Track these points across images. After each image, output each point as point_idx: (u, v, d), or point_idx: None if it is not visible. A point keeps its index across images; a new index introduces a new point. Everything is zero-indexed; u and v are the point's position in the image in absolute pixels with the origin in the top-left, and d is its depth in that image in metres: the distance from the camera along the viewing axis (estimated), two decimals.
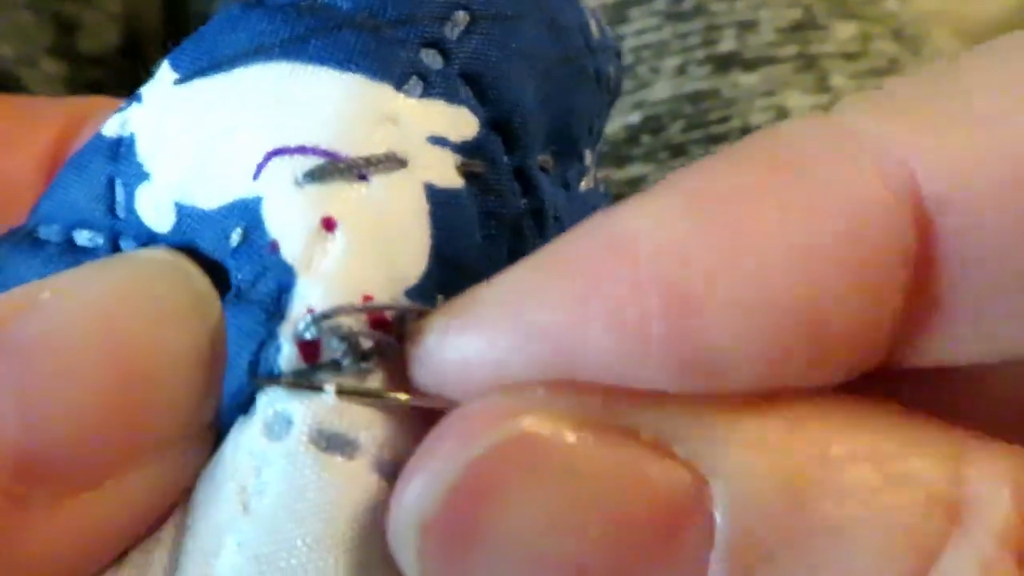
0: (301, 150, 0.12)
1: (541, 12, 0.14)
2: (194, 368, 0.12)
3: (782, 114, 0.30)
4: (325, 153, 0.12)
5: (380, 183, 0.12)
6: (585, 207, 0.15)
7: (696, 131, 0.29)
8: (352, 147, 0.12)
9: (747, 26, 0.30)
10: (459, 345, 0.12)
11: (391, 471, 0.12)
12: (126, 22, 0.39)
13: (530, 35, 0.14)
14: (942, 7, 0.54)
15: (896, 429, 0.12)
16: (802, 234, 0.11)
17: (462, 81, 0.13)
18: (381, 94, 0.13)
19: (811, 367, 0.11)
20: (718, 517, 0.11)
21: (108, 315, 0.12)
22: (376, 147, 0.12)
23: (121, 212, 0.13)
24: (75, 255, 0.13)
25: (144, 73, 0.33)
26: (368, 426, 0.12)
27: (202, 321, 0.12)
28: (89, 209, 0.13)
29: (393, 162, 0.12)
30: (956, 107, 0.11)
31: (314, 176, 0.12)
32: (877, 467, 0.11)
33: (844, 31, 0.31)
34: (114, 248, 0.13)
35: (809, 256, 0.11)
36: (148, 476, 0.12)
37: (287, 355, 0.12)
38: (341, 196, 0.12)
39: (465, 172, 0.13)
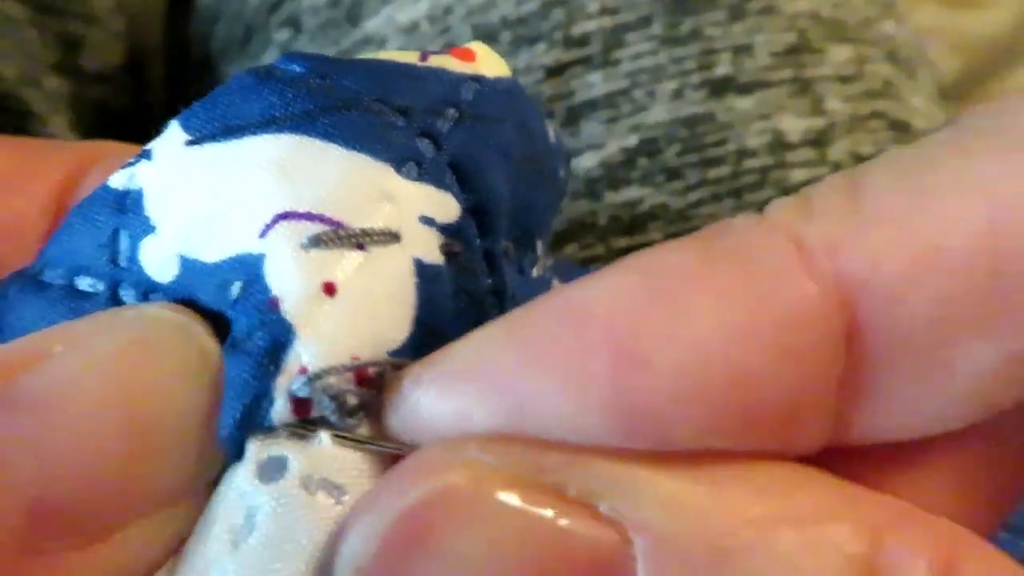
0: (308, 216, 0.13)
1: (516, 115, 0.16)
2: (200, 424, 0.13)
3: (777, 137, 0.30)
4: (331, 222, 0.13)
5: (376, 255, 0.13)
6: (535, 291, 0.16)
7: (692, 154, 0.29)
8: (354, 219, 0.13)
9: (742, 50, 0.30)
10: (427, 395, 0.12)
11: None
12: (129, 39, 0.39)
13: (506, 135, 0.15)
14: (938, 23, 0.54)
15: (820, 494, 0.12)
16: (737, 317, 0.12)
17: (449, 169, 0.14)
18: (383, 174, 0.14)
19: (742, 436, 0.12)
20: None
21: (120, 371, 0.12)
22: (375, 221, 0.13)
23: (123, 262, 0.14)
24: (77, 300, 0.14)
25: (147, 89, 0.33)
26: (355, 472, 0.13)
27: (208, 378, 0.13)
28: (92, 256, 0.14)
29: (389, 237, 0.13)
30: (871, 207, 0.12)
31: (318, 242, 0.13)
32: (798, 531, 0.11)
33: (839, 54, 0.31)
34: (113, 295, 0.14)
35: (741, 337, 0.12)
36: (154, 527, 0.12)
37: (279, 409, 0.12)
38: (342, 263, 0.13)
39: (446, 251, 0.14)
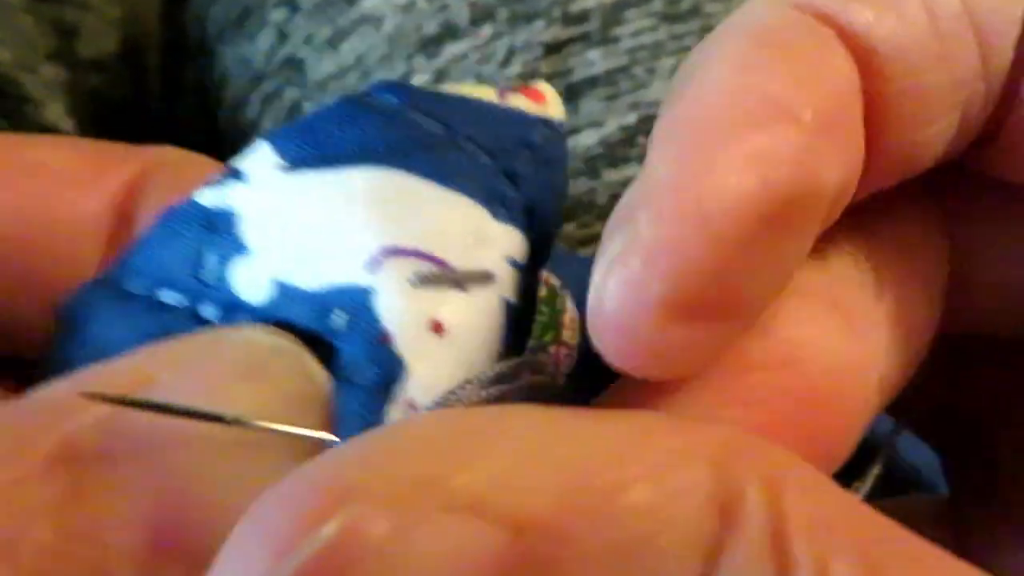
0: (415, 253, 0.14)
1: (564, 159, 0.16)
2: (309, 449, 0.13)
3: None
4: (435, 260, 0.14)
5: (475, 295, 0.14)
6: None
7: None
8: (455, 258, 0.14)
9: None
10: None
11: None
12: (125, 28, 0.39)
13: (558, 179, 0.16)
14: None
15: (661, 439, 0.12)
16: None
17: (524, 213, 0.15)
18: (479, 215, 0.15)
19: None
20: None
21: (229, 397, 0.13)
22: (475, 263, 0.14)
23: (210, 279, 0.14)
24: (160, 312, 0.14)
25: (143, 77, 0.33)
26: None
27: (319, 404, 0.13)
28: (176, 270, 0.14)
29: (486, 278, 0.14)
30: None
31: (426, 280, 0.13)
32: (653, 485, 0.12)
33: None
34: (193, 311, 0.14)
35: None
36: None
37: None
38: (449, 303, 0.13)
39: (517, 290, 0.15)
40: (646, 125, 0.29)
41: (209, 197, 0.15)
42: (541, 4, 0.30)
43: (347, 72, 0.32)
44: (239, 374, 0.13)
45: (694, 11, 0.30)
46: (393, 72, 0.31)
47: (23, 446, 0.12)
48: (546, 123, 0.16)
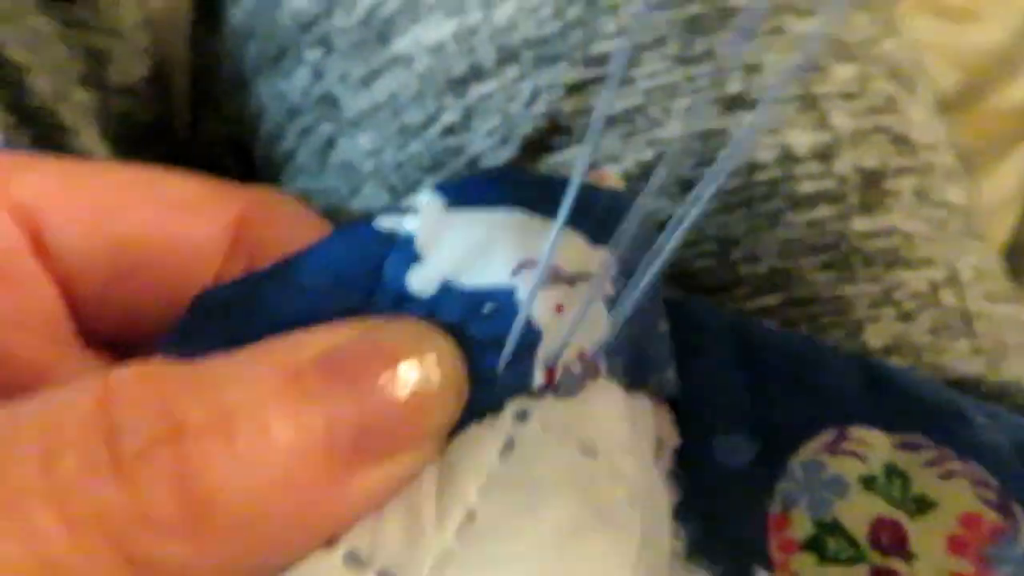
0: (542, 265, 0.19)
1: (628, 206, 0.22)
2: (452, 396, 0.19)
3: (786, 151, 0.31)
4: (554, 268, 0.20)
5: (579, 287, 0.20)
6: (662, 343, 0.24)
7: (705, 167, 0.31)
8: (566, 266, 0.20)
9: (752, 69, 0.32)
10: None
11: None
12: (154, 53, 0.40)
13: (635, 222, 0.22)
14: (937, 37, 0.55)
15: None
16: None
17: (608, 242, 0.21)
18: (581, 240, 0.21)
19: None
20: None
21: (403, 352, 0.18)
22: (578, 268, 0.20)
23: (387, 279, 0.20)
24: (336, 301, 0.20)
25: (170, 102, 0.36)
26: (567, 420, 0.19)
27: (455, 367, 0.19)
28: (354, 272, 0.20)
29: (587, 276, 0.20)
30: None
31: (548, 281, 0.19)
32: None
33: (843, 72, 0.32)
34: (368, 299, 0.20)
35: None
36: (416, 457, 0.18)
37: (538, 378, 0.19)
38: (564, 293, 0.19)
39: (616, 288, 0.20)
40: (661, 161, 0.31)
41: (387, 223, 0.21)
42: (563, 47, 0.31)
43: (380, 109, 0.33)
44: (418, 341, 0.19)
45: (707, 54, 0.31)
46: (424, 110, 0.32)
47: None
48: (613, 194, 0.23)
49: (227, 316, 0.20)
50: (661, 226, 0.20)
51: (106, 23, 0.38)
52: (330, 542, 0.18)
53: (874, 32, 0.34)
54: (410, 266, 0.20)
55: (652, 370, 0.22)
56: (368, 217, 0.21)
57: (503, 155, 0.30)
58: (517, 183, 0.22)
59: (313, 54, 0.35)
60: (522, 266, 0.20)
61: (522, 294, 0.19)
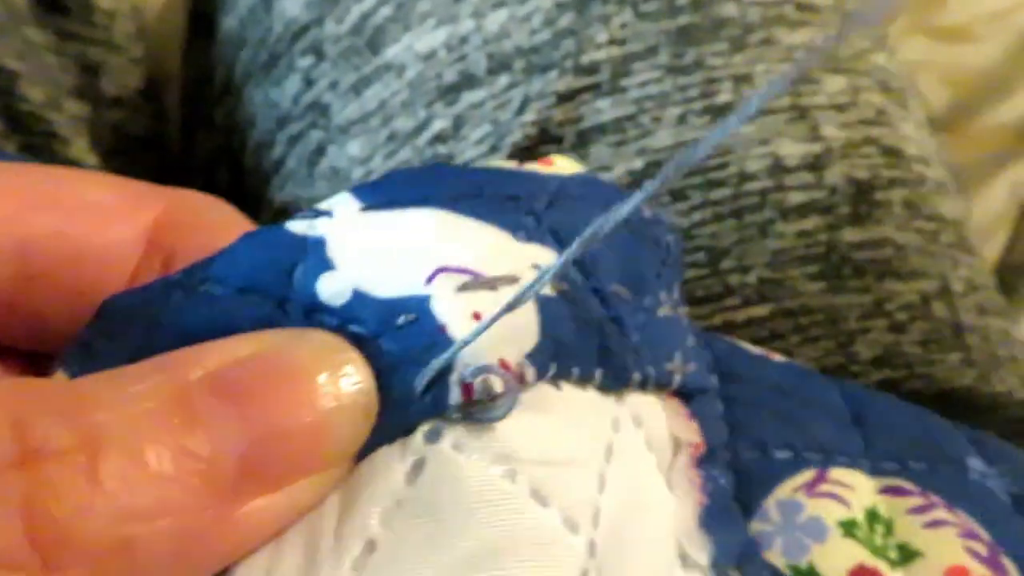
0: (458, 270, 0.18)
1: (595, 195, 0.21)
2: (359, 416, 0.17)
3: (776, 161, 0.31)
4: (473, 273, 0.18)
5: (504, 292, 0.18)
6: (663, 326, 0.21)
7: (695, 176, 0.31)
8: (488, 270, 0.18)
9: (743, 79, 0.32)
10: None
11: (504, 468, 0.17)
12: (147, 66, 0.40)
13: (591, 209, 0.20)
14: (929, 56, 0.55)
15: None
16: None
17: (549, 234, 0.20)
18: (505, 239, 0.19)
19: None
20: None
21: (306, 370, 0.17)
22: (501, 270, 0.18)
23: (298, 287, 0.18)
24: (242, 309, 0.18)
25: (163, 113, 0.35)
26: (482, 439, 0.18)
27: (365, 388, 0.17)
28: (264, 280, 0.19)
29: (512, 279, 0.18)
30: None
31: (467, 287, 0.18)
32: None
33: (834, 84, 0.32)
34: (280, 309, 0.18)
35: None
36: (316, 483, 0.17)
37: (454, 395, 0.17)
38: (484, 299, 0.18)
39: (555, 289, 0.19)
40: (652, 170, 0.31)
41: (298, 226, 0.19)
42: (555, 56, 0.31)
43: (370, 117, 0.33)
44: (316, 356, 0.17)
45: (697, 64, 0.31)
46: (414, 118, 0.32)
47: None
48: (557, 177, 0.21)
49: (130, 326, 0.19)
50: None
51: (100, 35, 0.38)
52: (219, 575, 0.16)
53: (865, 45, 0.34)
54: (321, 273, 0.18)
55: (642, 363, 0.20)
56: (281, 219, 0.19)
57: (493, 163, 0.30)
58: (438, 178, 0.20)
59: (304, 62, 0.35)
60: (437, 272, 0.18)
61: (437, 303, 0.18)
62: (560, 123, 0.31)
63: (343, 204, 0.20)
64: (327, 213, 0.19)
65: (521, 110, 0.31)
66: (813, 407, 0.24)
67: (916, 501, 0.22)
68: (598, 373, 0.19)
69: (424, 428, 0.17)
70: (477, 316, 0.18)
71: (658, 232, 0.23)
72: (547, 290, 0.19)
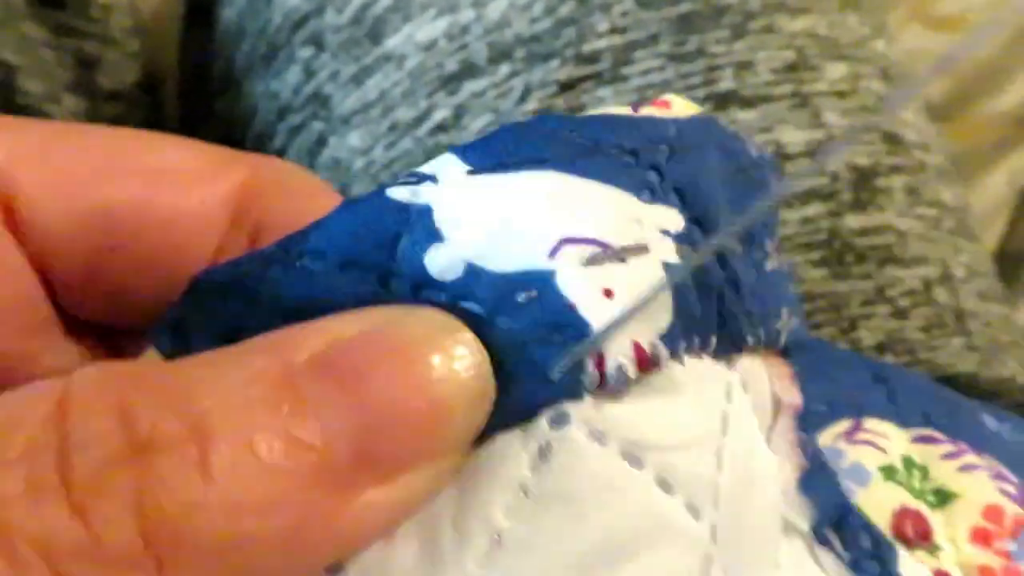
0: (584, 240, 0.17)
1: (713, 140, 0.20)
2: (476, 400, 0.16)
3: (778, 148, 0.31)
4: (600, 244, 0.17)
5: (634, 264, 0.17)
6: (772, 282, 0.20)
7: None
8: (616, 239, 0.17)
9: (744, 67, 0.32)
10: None
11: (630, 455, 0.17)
12: (144, 59, 0.40)
13: (710, 157, 0.19)
14: (926, 46, 0.55)
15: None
16: None
17: (673, 191, 0.18)
18: (631, 202, 0.18)
19: None
20: None
21: (419, 350, 0.15)
22: (630, 239, 0.17)
23: (403, 261, 0.17)
24: (345, 284, 0.17)
25: (161, 107, 0.35)
26: (611, 422, 0.17)
27: (480, 372, 0.16)
28: (366, 253, 0.17)
29: (642, 249, 0.17)
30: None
31: (595, 260, 0.17)
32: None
33: (835, 71, 0.32)
34: (383, 285, 0.17)
35: None
36: (432, 473, 0.16)
37: (591, 375, 0.16)
38: (613, 274, 0.17)
39: (681, 254, 0.18)
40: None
41: (400, 193, 0.17)
42: (556, 45, 0.31)
43: (371, 107, 0.33)
44: (425, 338, 0.16)
45: (699, 52, 0.31)
46: (415, 108, 0.32)
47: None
48: (675, 121, 0.19)
49: (224, 302, 0.17)
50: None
51: (97, 29, 0.38)
52: (332, 571, 0.16)
53: (865, 32, 0.34)
54: (429, 245, 0.17)
55: (755, 324, 0.19)
56: (381, 186, 0.18)
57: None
58: (550, 133, 0.18)
59: (304, 52, 0.35)
60: (561, 243, 0.17)
61: (563, 279, 0.16)
62: (562, 112, 0.31)
63: (448, 167, 0.18)
64: (431, 178, 0.18)
65: (522, 99, 0.31)
66: (840, 367, 0.24)
67: (947, 448, 0.22)
68: (714, 340, 0.18)
69: (548, 412, 0.16)
70: (608, 293, 0.16)
71: (765, 174, 0.21)
72: (673, 256, 0.17)
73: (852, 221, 0.31)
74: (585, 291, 0.16)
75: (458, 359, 0.16)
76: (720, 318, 0.18)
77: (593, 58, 0.31)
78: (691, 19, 0.31)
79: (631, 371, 0.16)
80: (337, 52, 0.34)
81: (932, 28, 0.56)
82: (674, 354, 0.17)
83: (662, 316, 0.17)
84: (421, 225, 0.17)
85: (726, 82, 0.31)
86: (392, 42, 0.33)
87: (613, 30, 0.31)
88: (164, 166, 0.20)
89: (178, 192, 0.19)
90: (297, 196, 0.20)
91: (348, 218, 0.17)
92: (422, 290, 0.16)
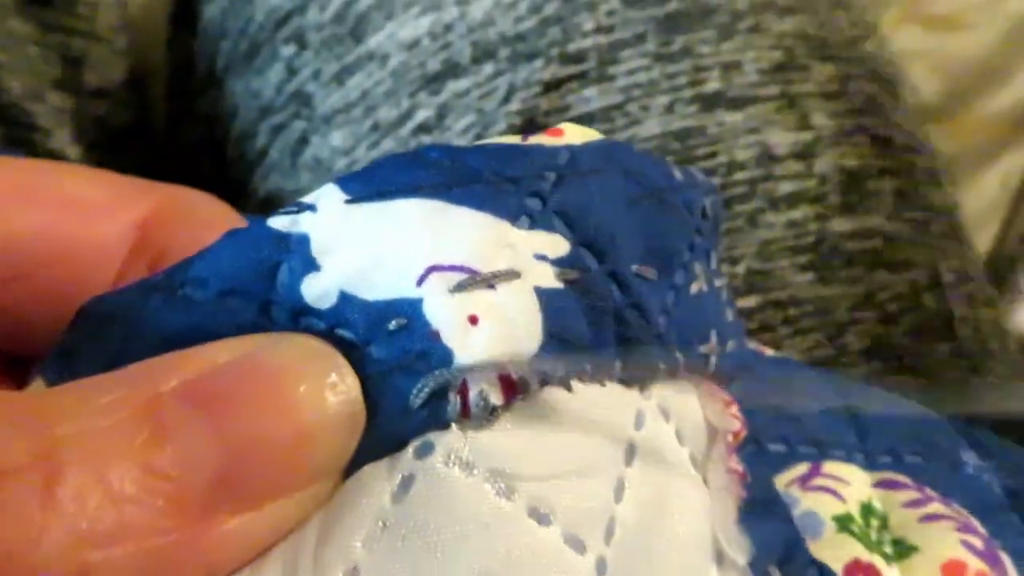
0: (451, 268, 0.17)
1: (615, 165, 0.19)
2: (345, 428, 0.16)
3: (765, 150, 0.31)
4: (468, 270, 0.17)
5: (504, 290, 0.17)
6: (697, 305, 0.20)
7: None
8: (485, 266, 0.17)
9: (732, 67, 0.31)
10: None
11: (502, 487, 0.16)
12: (131, 57, 0.40)
13: (611, 181, 0.19)
14: (921, 45, 0.55)
15: None
16: None
17: (556, 217, 0.18)
18: (503, 228, 0.17)
19: None
20: None
21: (287, 377, 0.15)
22: (500, 265, 0.17)
23: (281, 289, 0.17)
24: (224, 315, 0.17)
25: (148, 105, 0.34)
26: (478, 451, 0.16)
27: (351, 397, 0.16)
28: (246, 281, 0.17)
29: (512, 275, 0.17)
30: None
31: (461, 286, 0.17)
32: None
33: (824, 72, 0.32)
34: (263, 313, 0.17)
35: None
36: (298, 502, 0.16)
37: (452, 409, 0.16)
38: (480, 300, 0.17)
39: (562, 279, 0.17)
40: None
41: (280, 223, 0.18)
42: (540, 44, 0.31)
43: (353, 106, 0.33)
44: (288, 364, 0.16)
45: (685, 52, 0.31)
46: (397, 108, 0.32)
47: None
48: (569, 148, 0.19)
49: (110, 331, 0.17)
50: None
51: (84, 26, 0.38)
52: None
53: (855, 33, 0.34)
54: (306, 274, 0.17)
55: (669, 349, 0.19)
56: (266, 211, 0.18)
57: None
58: (430, 162, 0.18)
59: (287, 50, 0.34)
60: (429, 271, 0.17)
61: (430, 306, 0.17)
62: (546, 112, 0.30)
63: (327, 197, 0.18)
64: (311, 207, 0.18)
65: (506, 99, 0.31)
66: (809, 394, 0.23)
67: (912, 495, 0.22)
68: (617, 366, 0.18)
69: (415, 442, 0.16)
70: (473, 320, 0.16)
71: (691, 197, 0.21)
72: (553, 282, 0.17)
73: (840, 224, 0.31)
74: (450, 318, 0.16)
75: (328, 386, 0.16)
76: (622, 342, 0.18)
77: (578, 58, 0.31)
78: (678, 18, 0.31)
79: (495, 398, 0.16)
80: (319, 50, 0.34)
81: (928, 28, 0.55)
82: (548, 380, 0.17)
83: (530, 340, 0.17)
84: (299, 254, 0.17)
85: (713, 83, 0.31)
86: (375, 40, 0.33)
87: (599, 29, 0.31)
88: (66, 198, 0.20)
89: (78, 224, 0.20)
90: (202, 226, 0.20)
91: (230, 248, 0.17)
92: (301, 318, 0.17)
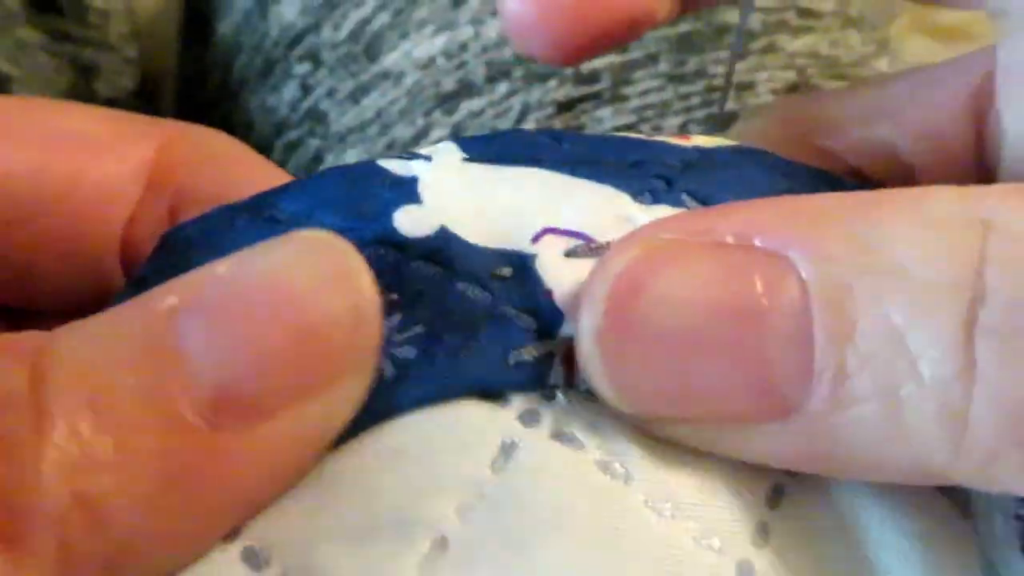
0: (567, 232, 0.17)
1: (751, 159, 0.19)
2: (351, 325, 0.14)
3: None
4: (584, 237, 0.17)
5: None
6: None
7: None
8: (600, 235, 0.17)
9: (745, 87, 0.31)
10: None
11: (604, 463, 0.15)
12: (142, 67, 0.40)
13: (747, 173, 0.19)
14: (929, 57, 0.55)
15: None
16: None
17: (687, 194, 0.18)
18: (622, 201, 0.17)
19: None
20: (803, 274, 0.14)
21: (277, 281, 0.14)
22: (615, 236, 0.16)
23: (371, 215, 0.17)
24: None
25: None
26: (587, 426, 0.16)
27: (355, 287, 0.15)
28: (333, 207, 0.17)
29: None
30: None
31: (576, 253, 0.16)
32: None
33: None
34: (344, 232, 0.16)
35: None
36: (324, 405, 0.14)
37: (557, 369, 0.16)
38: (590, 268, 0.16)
39: None
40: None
41: (393, 165, 0.17)
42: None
43: (368, 125, 0.33)
44: (288, 263, 0.15)
45: (699, 73, 0.31)
46: (412, 127, 0.32)
47: None
48: (697, 148, 0.19)
49: (190, 256, 0.16)
50: None
51: (95, 36, 0.38)
52: (230, 536, 0.14)
53: (867, 51, 0.34)
54: (403, 205, 0.16)
55: None
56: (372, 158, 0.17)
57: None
58: (554, 143, 0.18)
59: (301, 68, 0.34)
60: (545, 231, 0.17)
61: (543, 265, 0.16)
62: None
63: (445, 152, 0.18)
64: (427, 157, 0.17)
65: (520, 119, 0.31)
66: None
67: None
68: None
69: (520, 406, 0.15)
70: None
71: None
72: None
73: None
74: (564, 281, 0.16)
75: (330, 281, 0.14)
76: None
77: (592, 78, 0.31)
78: (691, 39, 0.31)
79: None
80: (334, 68, 0.34)
81: (936, 38, 0.55)
82: None
83: None
84: (401, 190, 0.17)
85: (727, 103, 0.31)
86: (390, 59, 0.33)
87: (612, 50, 0.31)
88: (66, 134, 0.18)
89: (80, 162, 0.18)
90: (222, 162, 0.19)
91: (331, 178, 0.17)
92: (382, 245, 0.16)
